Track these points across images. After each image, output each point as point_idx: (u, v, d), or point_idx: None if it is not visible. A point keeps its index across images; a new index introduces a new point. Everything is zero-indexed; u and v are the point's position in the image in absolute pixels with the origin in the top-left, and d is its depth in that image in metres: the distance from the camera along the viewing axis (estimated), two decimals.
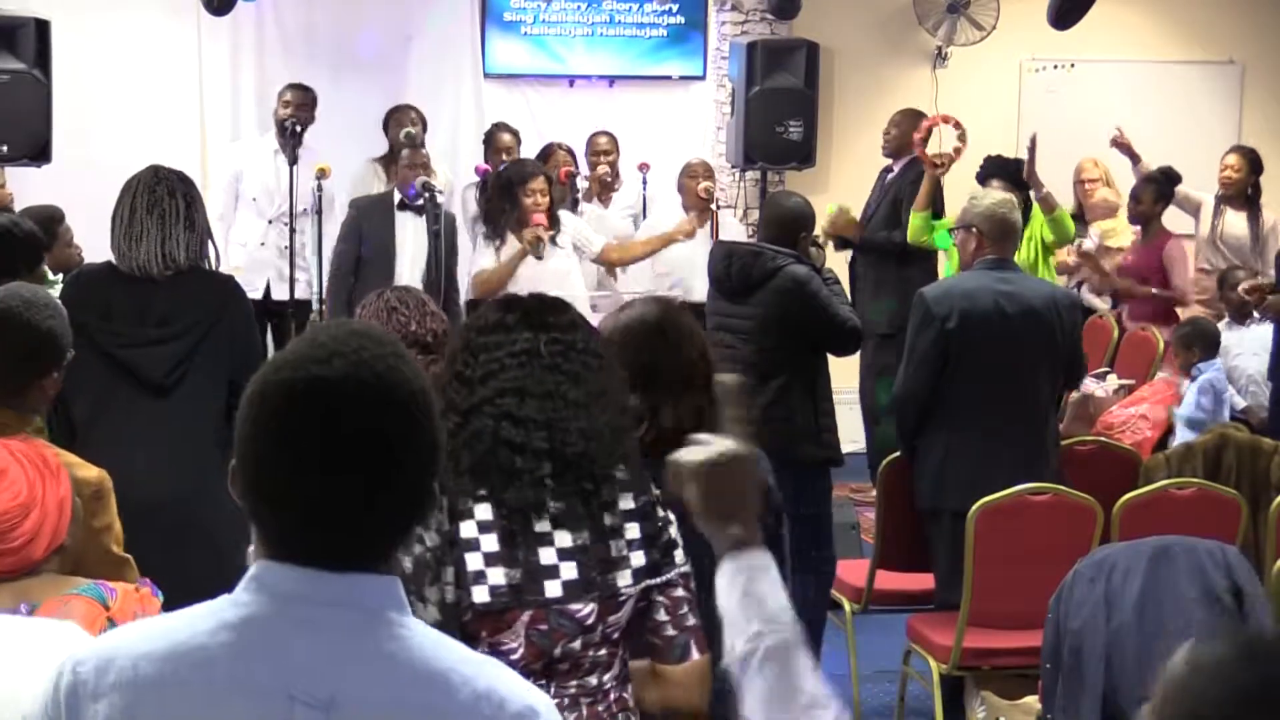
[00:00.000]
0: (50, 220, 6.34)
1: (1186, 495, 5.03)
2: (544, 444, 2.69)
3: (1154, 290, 8.19)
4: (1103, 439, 5.81)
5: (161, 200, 4.38)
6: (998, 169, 7.23)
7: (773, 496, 3.38)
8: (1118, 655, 4.16)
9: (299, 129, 7.95)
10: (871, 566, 5.49)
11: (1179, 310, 8.35)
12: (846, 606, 5.52)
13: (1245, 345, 7.29)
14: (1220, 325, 7.49)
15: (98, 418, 4.28)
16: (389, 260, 7.31)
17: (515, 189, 6.96)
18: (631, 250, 7.60)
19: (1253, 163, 8.52)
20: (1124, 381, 7.38)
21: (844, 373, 6.97)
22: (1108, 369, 7.59)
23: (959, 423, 5.24)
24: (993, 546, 4.90)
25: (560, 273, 6.93)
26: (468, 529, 2.68)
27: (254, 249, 8.10)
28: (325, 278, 7.55)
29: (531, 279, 6.44)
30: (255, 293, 7.99)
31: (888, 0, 9.97)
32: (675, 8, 9.79)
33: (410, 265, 7.29)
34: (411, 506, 1.69)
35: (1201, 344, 7.07)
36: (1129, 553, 4.27)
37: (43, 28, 7.92)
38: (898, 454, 5.47)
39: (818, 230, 7.47)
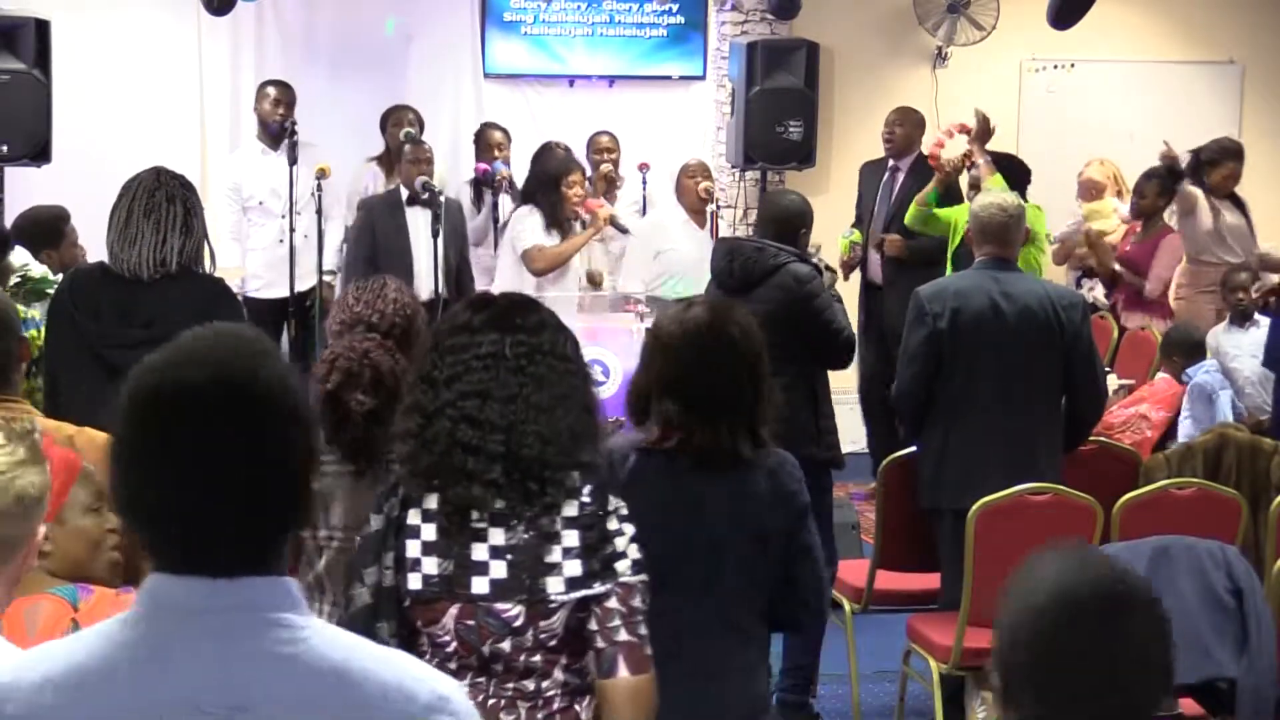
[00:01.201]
0: (58, 220, 6.34)
1: (1186, 495, 5.02)
2: (500, 447, 2.71)
3: (1116, 267, 8.21)
4: (1103, 439, 5.80)
5: (160, 205, 4.38)
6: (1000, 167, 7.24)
7: (797, 501, 3.36)
8: None
9: (290, 126, 7.95)
10: (871, 566, 5.49)
11: (1173, 306, 8.39)
12: (846, 606, 5.52)
13: (1244, 348, 7.29)
14: (1220, 326, 7.49)
15: (88, 417, 4.27)
16: (405, 256, 7.38)
17: (559, 182, 7.33)
18: (550, 255, 7.53)
19: (1242, 156, 8.57)
20: (1124, 381, 7.39)
21: (842, 373, 6.96)
22: (1108, 369, 7.59)
23: (955, 421, 5.24)
24: (993, 546, 4.90)
25: (607, 261, 7.54)
26: (413, 516, 2.72)
27: (272, 249, 8.08)
28: (339, 280, 7.57)
29: (571, 266, 7.31)
30: (278, 291, 8.00)
31: (888, 0, 9.97)
32: (675, 8, 9.79)
33: (426, 259, 7.35)
34: (290, 507, 1.68)
35: (1179, 350, 7.11)
36: (1129, 553, 4.27)
37: (43, 28, 7.91)
38: (898, 454, 5.47)
39: (835, 265, 7.55)
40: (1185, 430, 6.79)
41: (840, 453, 5.68)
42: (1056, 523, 4.93)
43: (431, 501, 2.74)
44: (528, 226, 7.45)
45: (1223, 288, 7.69)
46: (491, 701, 2.73)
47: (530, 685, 2.73)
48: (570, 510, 2.74)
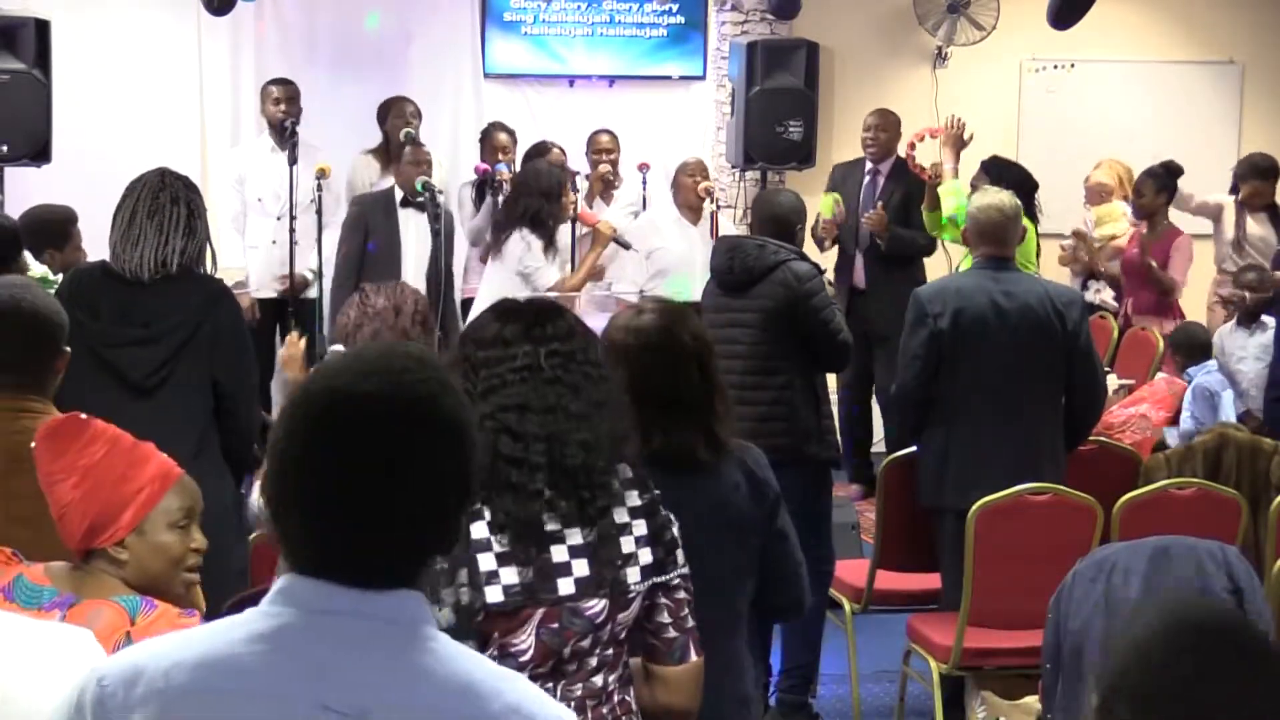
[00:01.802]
0: (66, 221, 6.33)
1: (1186, 495, 5.03)
2: (542, 457, 2.70)
3: (1152, 263, 8.22)
4: (1103, 439, 5.80)
5: (163, 207, 4.38)
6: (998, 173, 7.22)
7: (770, 489, 3.38)
8: None
9: (293, 125, 7.95)
10: (871, 566, 5.49)
11: (1181, 306, 8.39)
12: (846, 606, 5.52)
13: (1250, 349, 7.28)
14: (1226, 327, 7.49)
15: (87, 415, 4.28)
16: (395, 257, 7.37)
17: (559, 193, 7.13)
18: (570, 290, 7.24)
19: (1271, 173, 8.56)
20: (1124, 381, 7.38)
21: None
22: (1108, 369, 7.60)
23: (955, 421, 5.25)
24: (993, 546, 4.90)
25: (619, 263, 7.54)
26: (478, 530, 2.68)
27: (266, 249, 8.10)
28: (331, 276, 7.57)
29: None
30: (268, 292, 8.01)
31: (888, 0, 9.97)
32: (675, 8, 9.79)
33: (415, 262, 7.34)
34: (443, 528, 1.69)
35: (1186, 350, 7.11)
36: (1129, 553, 4.26)
37: (43, 28, 7.92)
38: (898, 454, 5.47)
39: (822, 210, 7.55)
40: (1183, 429, 6.78)
41: (839, 451, 5.69)
42: (1056, 523, 4.94)
43: (489, 512, 2.72)
44: (540, 265, 7.11)
45: (1232, 288, 7.67)
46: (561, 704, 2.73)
47: (599, 681, 2.74)
48: (633, 499, 2.76)
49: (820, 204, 8.12)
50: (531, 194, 7.17)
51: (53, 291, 5.12)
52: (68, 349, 3.55)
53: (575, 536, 2.71)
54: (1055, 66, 10.26)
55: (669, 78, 9.87)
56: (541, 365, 2.76)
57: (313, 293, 7.89)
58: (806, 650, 5.45)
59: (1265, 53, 10.42)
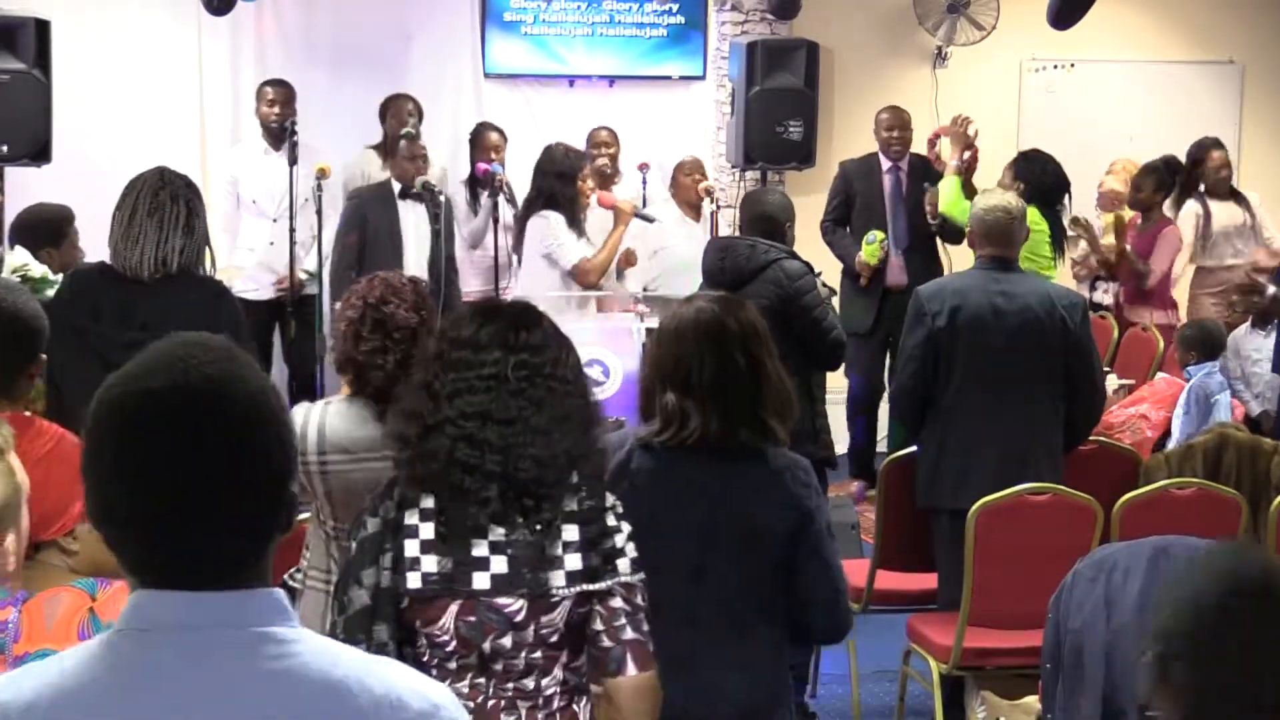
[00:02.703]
0: (63, 221, 6.33)
1: (1186, 495, 5.02)
2: (497, 467, 2.74)
3: (1128, 247, 8.24)
4: (1103, 439, 5.80)
5: (164, 205, 4.38)
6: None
7: (799, 504, 3.34)
8: (1118, 655, 4.15)
9: (291, 125, 7.95)
10: (871, 566, 5.49)
11: (1174, 296, 8.40)
12: None
13: (1265, 351, 7.25)
14: (1242, 329, 7.45)
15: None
16: (396, 249, 7.38)
17: (575, 176, 7.23)
18: (598, 266, 7.33)
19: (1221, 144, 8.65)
20: (1124, 381, 7.38)
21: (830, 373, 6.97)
22: (1108, 369, 7.59)
23: (952, 420, 5.25)
24: (993, 546, 4.90)
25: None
26: (410, 516, 2.73)
27: (263, 250, 8.10)
28: (329, 270, 7.57)
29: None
30: (265, 292, 8.01)
31: (888, 0, 9.97)
32: (675, 8, 9.79)
33: (417, 253, 7.36)
34: (270, 511, 1.64)
35: (1200, 347, 7.07)
36: (1129, 553, 4.26)
37: (43, 28, 7.91)
38: (898, 454, 5.47)
39: (868, 258, 7.55)
40: (1178, 429, 6.76)
41: (834, 451, 5.68)
42: (1056, 523, 4.94)
43: (429, 501, 2.75)
44: (562, 240, 7.22)
45: (1248, 293, 7.62)
46: (491, 702, 2.74)
47: (530, 684, 2.74)
48: (569, 505, 2.76)
49: (866, 252, 8.07)
50: (546, 176, 7.29)
51: (53, 291, 5.14)
52: (44, 355, 3.52)
53: (498, 533, 2.72)
54: (1055, 66, 10.26)
55: (669, 78, 9.87)
56: (508, 376, 2.77)
57: (311, 290, 7.89)
58: (801, 651, 5.44)
59: (1265, 53, 10.42)
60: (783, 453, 3.34)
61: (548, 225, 7.20)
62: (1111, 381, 7.20)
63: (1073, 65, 10.25)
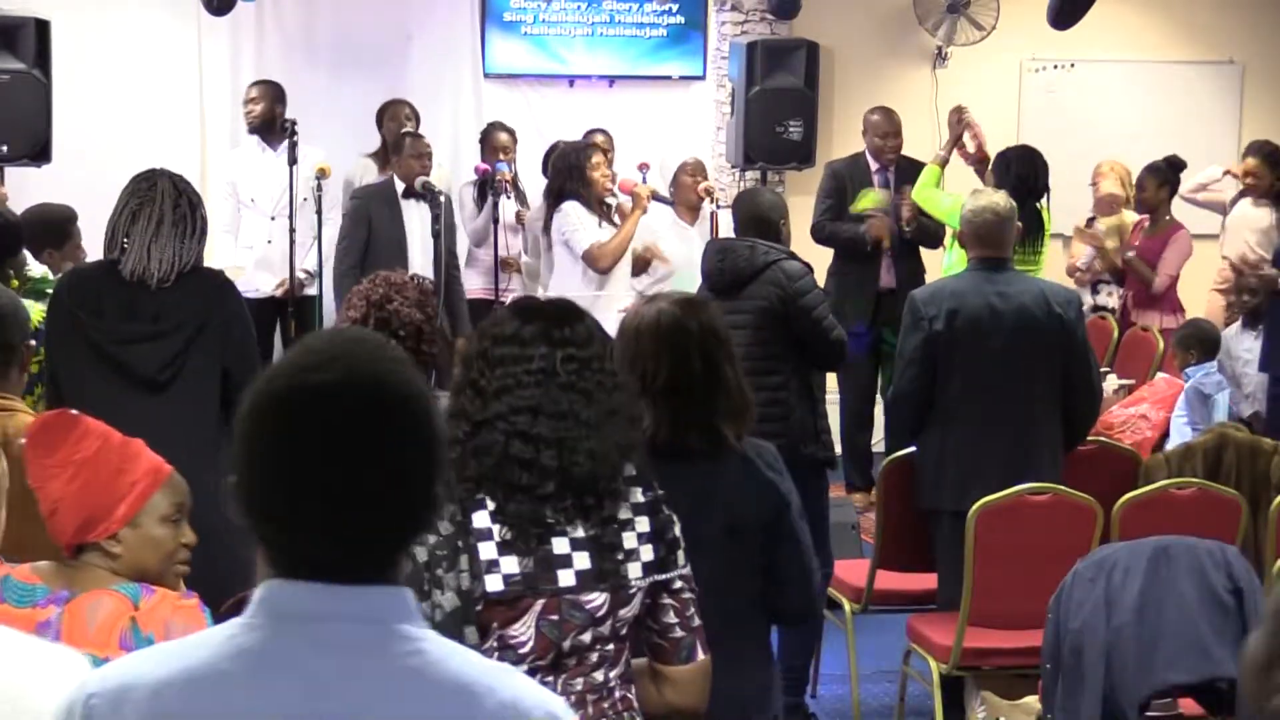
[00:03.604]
0: (65, 221, 6.32)
1: (1186, 495, 5.02)
2: (552, 462, 2.70)
3: (1131, 254, 8.23)
4: (1103, 439, 5.80)
5: (185, 216, 4.41)
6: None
7: (775, 490, 3.36)
8: (1118, 655, 4.16)
9: (291, 125, 7.95)
10: (871, 566, 5.49)
11: (1180, 300, 8.39)
12: (846, 606, 5.52)
13: (1255, 353, 7.26)
14: (1232, 328, 7.46)
15: (93, 415, 4.28)
16: (401, 249, 7.40)
17: (583, 165, 7.25)
18: (612, 250, 7.39)
19: (1272, 160, 8.47)
20: (1124, 381, 7.38)
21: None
22: (1108, 369, 7.59)
23: (952, 422, 5.25)
24: (993, 546, 4.90)
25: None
26: (480, 519, 2.69)
27: (262, 248, 8.10)
28: (332, 269, 7.58)
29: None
30: (266, 290, 8.01)
31: (888, 0, 9.97)
32: (675, 8, 9.79)
33: (421, 252, 7.38)
34: (417, 511, 1.66)
35: (1200, 347, 7.06)
36: (1129, 553, 4.27)
37: (43, 28, 7.91)
38: (898, 454, 5.47)
39: (870, 204, 7.56)
40: (1178, 431, 6.77)
41: (834, 451, 5.68)
42: (1056, 523, 4.93)
43: (494, 502, 2.73)
44: (577, 225, 7.28)
45: (1237, 292, 7.64)
46: (561, 699, 2.73)
47: (600, 677, 2.74)
48: (636, 496, 2.76)
49: (865, 200, 8.05)
50: (558, 175, 7.41)
51: (51, 291, 5.14)
52: (30, 341, 3.53)
53: (577, 529, 2.71)
54: (1055, 66, 10.26)
55: (669, 78, 9.87)
56: (557, 370, 2.75)
57: (311, 290, 7.90)
58: (799, 652, 5.44)
59: (1265, 53, 10.42)
60: (750, 441, 3.34)
61: (563, 215, 7.31)
62: (1111, 382, 7.21)
63: (1073, 65, 10.25)
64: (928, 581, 5.41)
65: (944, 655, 5.00)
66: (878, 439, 8.39)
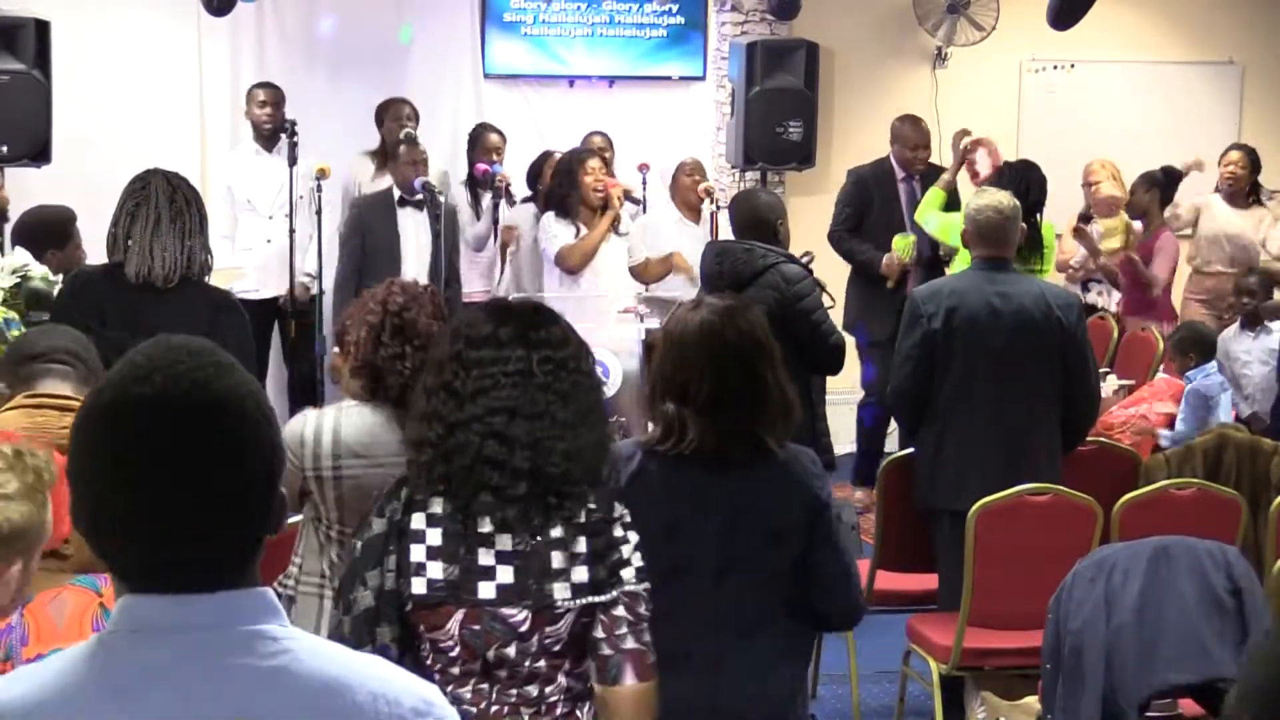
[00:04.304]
0: (65, 221, 6.33)
1: (1186, 495, 5.02)
2: (526, 463, 2.71)
3: (1135, 255, 8.23)
4: (1103, 439, 5.80)
5: (182, 211, 4.41)
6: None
7: (812, 495, 3.34)
8: (1118, 655, 4.15)
9: (293, 126, 7.95)
10: (871, 566, 5.49)
11: (1174, 306, 8.39)
12: None
13: (1254, 353, 7.26)
14: (1230, 330, 7.45)
15: None
16: (395, 257, 7.41)
17: (575, 170, 7.35)
18: (579, 250, 7.52)
19: (1253, 159, 8.60)
20: (1124, 381, 7.38)
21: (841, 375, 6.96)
22: (1108, 369, 7.59)
23: (950, 422, 5.25)
24: (993, 546, 4.90)
25: (614, 261, 7.46)
26: (417, 520, 2.72)
27: (261, 249, 8.10)
28: (333, 277, 7.58)
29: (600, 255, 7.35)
30: (266, 292, 8.01)
31: (888, 0, 9.97)
32: (675, 8, 9.79)
33: (416, 261, 7.39)
34: (259, 512, 1.65)
35: (1197, 349, 7.05)
36: (1129, 553, 4.27)
37: (43, 28, 7.91)
38: (897, 454, 5.47)
39: (902, 254, 7.55)
40: (1177, 432, 6.76)
41: (834, 454, 5.68)
42: (1056, 523, 4.93)
43: (436, 506, 2.73)
44: (551, 232, 7.49)
45: (1236, 293, 7.63)
46: (495, 708, 2.74)
47: (534, 691, 2.74)
48: (579, 517, 2.75)
49: (898, 247, 8.01)
50: (554, 178, 7.56)
51: (54, 293, 5.14)
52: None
53: (505, 542, 2.71)
54: (1055, 66, 10.26)
55: (669, 78, 9.87)
56: (534, 371, 2.76)
57: (312, 291, 7.91)
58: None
59: (1265, 53, 10.42)
60: (788, 447, 3.33)
61: (542, 225, 7.56)
62: (1111, 382, 7.20)
63: (1073, 66, 10.25)
64: (928, 581, 5.41)
65: (944, 656, 5.01)
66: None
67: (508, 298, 3.01)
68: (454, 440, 2.74)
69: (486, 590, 2.70)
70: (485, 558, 2.71)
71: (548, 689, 2.74)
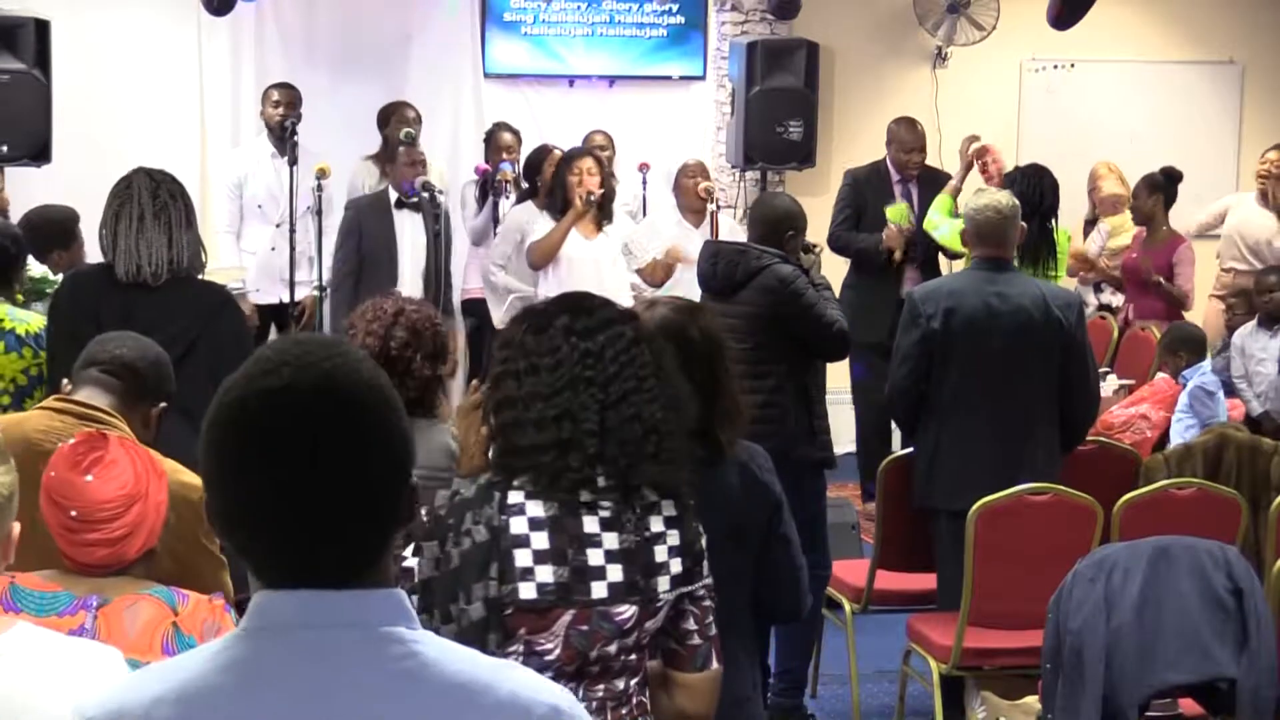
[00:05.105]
0: (69, 221, 6.33)
1: (1186, 495, 5.02)
2: (596, 447, 2.69)
3: (1160, 280, 8.22)
4: (1103, 439, 5.80)
5: (166, 205, 4.40)
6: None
7: (770, 492, 3.38)
8: (1118, 655, 4.15)
9: (294, 126, 7.94)
10: (871, 566, 5.49)
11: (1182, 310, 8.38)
12: (846, 606, 5.52)
13: (1271, 351, 7.24)
14: (1247, 327, 7.43)
15: None
16: (392, 259, 7.40)
17: (562, 170, 7.36)
18: (541, 247, 7.48)
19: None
20: (1124, 381, 7.38)
21: (838, 372, 6.96)
22: (1108, 369, 7.59)
23: (948, 422, 5.25)
24: (992, 546, 4.90)
25: (601, 260, 7.35)
26: (518, 525, 2.68)
27: (265, 255, 8.09)
28: (330, 279, 7.58)
29: (574, 260, 7.25)
30: (270, 297, 8.01)
31: (888, 0, 9.97)
32: (675, 8, 9.80)
33: (411, 263, 7.38)
34: (392, 502, 1.63)
35: (1187, 349, 7.07)
36: (1129, 553, 4.27)
37: (43, 28, 7.91)
38: (897, 454, 5.47)
39: (897, 218, 7.54)
40: (1178, 432, 6.76)
41: (833, 452, 5.67)
42: (1056, 523, 4.93)
43: (537, 509, 2.70)
44: (533, 227, 7.50)
45: (1257, 291, 7.61)
46: (581, 705, 2.72)
47: (620, 684, 2.75)
48: (669, 509, 2.76)
49: (892, 213, 8.01)
50: (553, 178, 7.55)
51: (51, 293, 5.14)
52: (171, 391, 3.60)
53: (612, 541, 2.71)
54: (1055, 66, 10.26)
55: (669, 78, 9.87)
56: (605, 356, 2.72)
57: (304, 295, 7.94)
58: (798, 654, 5.44)
59: (1265, 53, 10.43)
60: (742, 444, 3.36)
61: (523, 223, 7.68)
62: (1111, 382, 7.21)
63: (1073, 65, 10.25)
64: (928, 581, 5.41)
65: (944, 655, 5.01)
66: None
67: (589, 295, 2.93)
68: (528, 419, 2.70)
69: (599, 590, 2.69)
70: (595, 557, 2.69)
71: (632, 681, 2.76)
